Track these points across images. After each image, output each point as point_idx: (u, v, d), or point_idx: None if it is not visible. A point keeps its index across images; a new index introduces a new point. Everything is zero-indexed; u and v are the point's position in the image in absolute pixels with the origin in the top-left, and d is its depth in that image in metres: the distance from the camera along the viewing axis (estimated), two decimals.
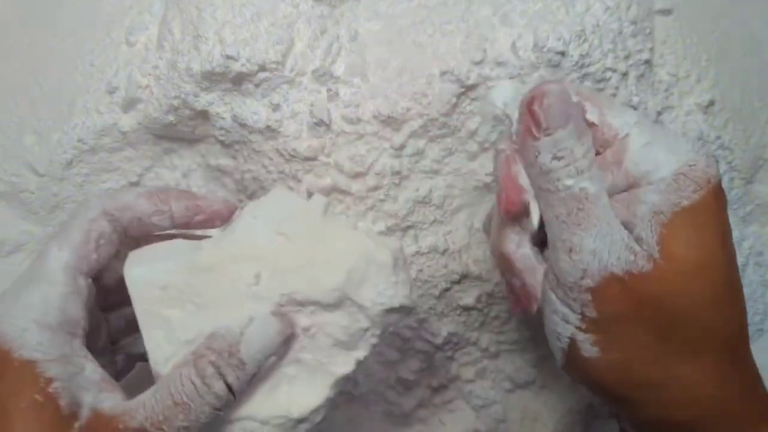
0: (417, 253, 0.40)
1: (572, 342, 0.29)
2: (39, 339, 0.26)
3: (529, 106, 0.28)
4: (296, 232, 0.30)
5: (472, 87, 0.39)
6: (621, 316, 0.28)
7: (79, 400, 0.26)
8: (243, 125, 0.39)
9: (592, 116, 0.30)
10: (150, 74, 0.40)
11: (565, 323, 0.29)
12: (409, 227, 0.40)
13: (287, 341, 0.29)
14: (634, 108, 0.40)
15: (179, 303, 0.29)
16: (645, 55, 0.41)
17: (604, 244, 0.27)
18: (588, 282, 0.28)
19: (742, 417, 0.28)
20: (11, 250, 0.43)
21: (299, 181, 0.40)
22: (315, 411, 0.29)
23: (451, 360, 0.43)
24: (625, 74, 0.40)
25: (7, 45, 0.44)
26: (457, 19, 0.40)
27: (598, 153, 0.30)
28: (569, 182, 0.28)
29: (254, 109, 0.39)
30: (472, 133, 0.40)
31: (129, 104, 0.41)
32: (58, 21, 0.44)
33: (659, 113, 0.41)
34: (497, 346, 0.43)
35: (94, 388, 0.27)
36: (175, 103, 0.39)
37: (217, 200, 0.32)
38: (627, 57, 0.40)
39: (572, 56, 0.38)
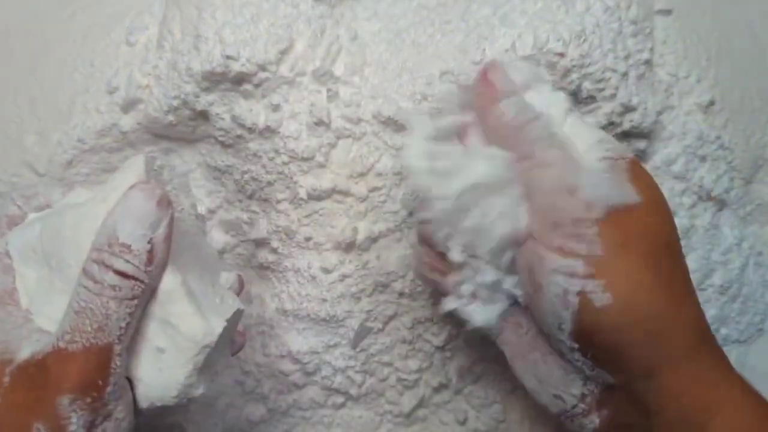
0: None
1: (583, 297, 0.28)
2: None
3: (484, 77, 0.32)
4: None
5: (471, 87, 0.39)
6: (626, 249, 0.29)
7: (17, 350, 0.27)
8: (243, 125, 0.39)
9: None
10: (150, 74, 0.41)
11: (571, 278, 0.29)
12: (410, 228, 0.40)
13: (163, 205, 0.28)
14: (635, 108, 0.40)
15: (46, 262, 0.29)
16: (645, 55, 0.41)
17: (600, 180, 0.29)
18: (596, 213, 0.28)
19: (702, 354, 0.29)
20: None
21: (297, 182, 0.40)
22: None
23: (451, 360, 0.43)
24: (625, 74, 0.40)
25: (8, 45, 0.44)
26: (456, 19, 0.40)
27: None
28: (548, 131, 0.30)
29: (254, 110, 0.39)
30: None
31: (129, 104, 0.41)
32: (59, 21, 0.44)
33: (659, 113, 0.41)
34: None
35: (35, 336, 0.28)
36: (175, 103, 0.39)
37: None
38: (627, 57, 0.40)
39: (572, 56, 0.38)
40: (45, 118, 0.42)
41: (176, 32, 0.40)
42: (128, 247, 0.27)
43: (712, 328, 0.43)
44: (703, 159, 0.43)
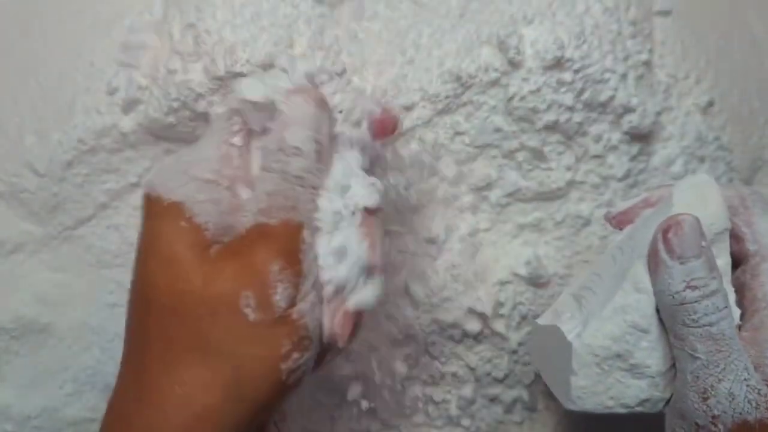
0: None
1: None
2: (186, 187, 0.29)
3: (664, 234, 0.29)
4: None
5: (470, 87, 0.39)
6: None
7: (228, 233, 0.29)
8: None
9: (738, 220, 0.31)
10: (150, 75, 0.41)
11: None
12: None
13: (322, 107, 0.30)
14: (634, 109, 0.40)
15: None
16: (644, 56, 0.41)
17: (741, 390, 0.28)
18: (719, 428, 0.28)
19: None
20: (11, 250, 0.43)
21: None
22: None
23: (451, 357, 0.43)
24: (624, 75, 0.40)
25: (7, 45, 0.44)
26: (456, 19, 0.40)
27: (736, 265, 0.31)
28: (708, 319, 0.28)
29: None
30: (468, 134, 0.40)
31: (129, 105, 0.41)
32: (59, 21, 0.44)
33: (658, 114, 0.42)
34: None
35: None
36: (175, 104, 0.39)
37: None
38: (626, 58, 0.40)
39: (571, 57, 0.39)
40: (45, 118, 0.42)
41: (176, 32, 0.40)
42: (299, 149, 0.29)
43: None
44: (702, 160, 0.43)
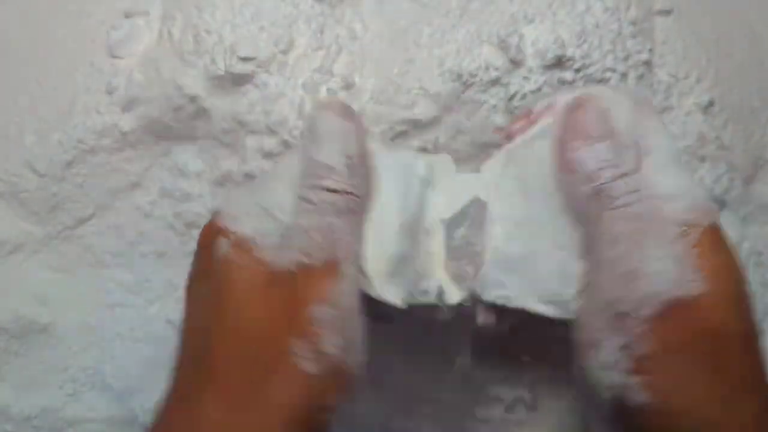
0: None
1: (623, 389, 0.26)
2: (256, 223, 0.28)
3: (572, 114, 0.28)
4: None
5: (471, 86, 0.39)
6: (679, 349, 0.25)
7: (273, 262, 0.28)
8: (243, 125, 0.39)
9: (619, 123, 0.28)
10: (150, 74, 0.41)
11: (610, 371, 0.26)
12: None
13: (349, 118, 0.29)
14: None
15: None
16: (644, 56, 0.41)
17: (666, 267, 0.25)
18: (647, 311, 0.25)
19: None
20: (11, 250, 0.43)
21: None
22: None
23: None
24: (624, 75, 0.40)
25: (7, 45, 0.44)
26: (456, 19, 0.40)
27: None
28: (629, 198, 0.26)
29: (254, 110, 0.39)
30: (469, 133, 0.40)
31: (129, 104, 0.41)
32: (59, 21, 0.44)
33: (659, 114, 0.42)
34: None
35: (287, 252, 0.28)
36: (175, 103, 0.39)
37: None
38: (626, 58, 0.40)
39: (572, 57, 0.39)
40: (45, 118, 0.42)
41: (176, 32, 0.40)
42: (331, 167, 0.27)
43: None
44: (703, 159, 0.43)
